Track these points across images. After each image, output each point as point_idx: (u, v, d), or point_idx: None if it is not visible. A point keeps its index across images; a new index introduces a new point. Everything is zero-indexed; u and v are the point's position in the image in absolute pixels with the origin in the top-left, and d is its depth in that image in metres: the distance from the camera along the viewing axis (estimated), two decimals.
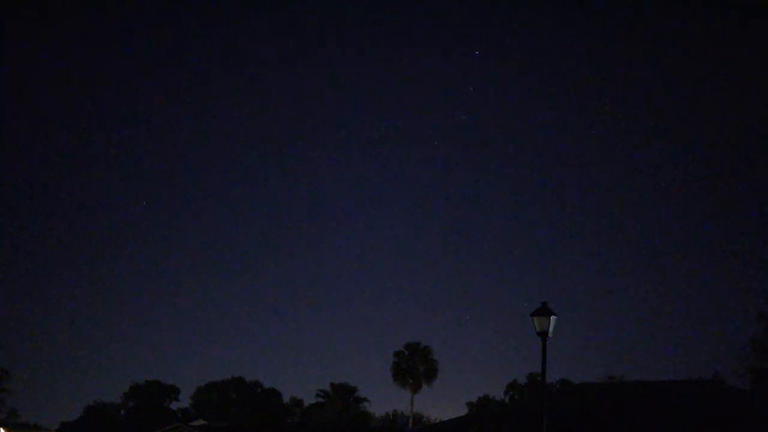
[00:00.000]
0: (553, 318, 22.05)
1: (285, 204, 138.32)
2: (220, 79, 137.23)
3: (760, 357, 58.82)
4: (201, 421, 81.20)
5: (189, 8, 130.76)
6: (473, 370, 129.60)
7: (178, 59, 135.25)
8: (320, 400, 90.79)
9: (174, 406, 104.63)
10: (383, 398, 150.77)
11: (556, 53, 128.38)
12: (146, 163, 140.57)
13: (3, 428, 75.85)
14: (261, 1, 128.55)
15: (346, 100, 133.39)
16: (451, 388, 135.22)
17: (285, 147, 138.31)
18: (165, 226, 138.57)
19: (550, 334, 22.08)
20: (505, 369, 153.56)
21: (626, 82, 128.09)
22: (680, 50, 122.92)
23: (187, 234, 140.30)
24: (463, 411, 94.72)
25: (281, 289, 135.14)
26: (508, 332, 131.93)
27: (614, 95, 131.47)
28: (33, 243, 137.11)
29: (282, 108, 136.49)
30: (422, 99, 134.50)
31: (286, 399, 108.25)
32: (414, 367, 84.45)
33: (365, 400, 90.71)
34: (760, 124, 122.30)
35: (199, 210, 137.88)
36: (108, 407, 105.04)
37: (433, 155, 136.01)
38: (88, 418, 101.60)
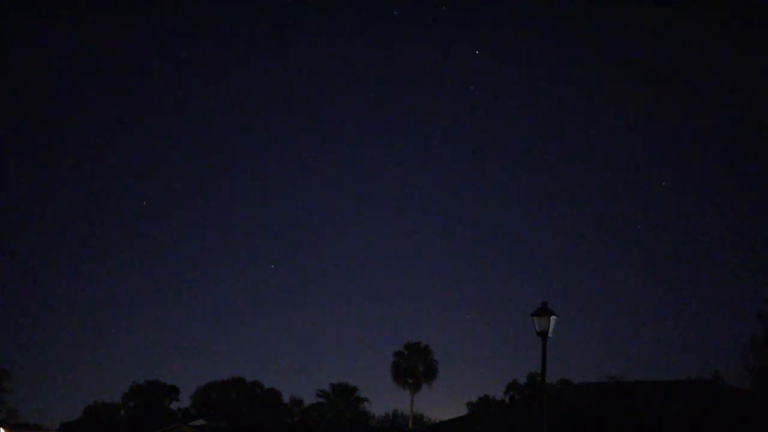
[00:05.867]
0: (553, 318, 22.04)
1: (285, 204, 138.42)
2: (220, 79, 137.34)
3: (760, 357, 58.86)
4: (201, 421, 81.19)
5: (189, 7, 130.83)
6: (473, 370, 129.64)
7: (178, 59, 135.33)
8: (320, 400, 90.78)
9: (174, 406, 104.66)
10: (383, 398, 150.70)
11: (556, 53, 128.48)
12: (146, 163, 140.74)
13: (3, 428, 75.86)
14: (262, 1, 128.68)
15: (346, 100, 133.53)
16: (451, 388, 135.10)
17: (285, 147, 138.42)
18: (165, 226, 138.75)
19: (550, 334, 22.08)
20: (505, 369, 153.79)
21: (627, 82, 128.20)
22: (681, 50, 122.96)
23: (187, 234, 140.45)
24: (463, 411, 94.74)
25: (281, 289, 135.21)
26: (508, 332, 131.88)
27: (614, 95, 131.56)
28: (33, 243, 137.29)
29: (282, 108, 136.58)
30: (422, 99, 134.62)
31: (286, 399, 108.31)
32: (414, 367, 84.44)
33: (365, 400, 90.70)
34: (760, 124, 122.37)
35: (199, 210, 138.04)
36: (108, 407, 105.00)
37: (433, 155, 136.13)
38: (88, 418, 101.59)
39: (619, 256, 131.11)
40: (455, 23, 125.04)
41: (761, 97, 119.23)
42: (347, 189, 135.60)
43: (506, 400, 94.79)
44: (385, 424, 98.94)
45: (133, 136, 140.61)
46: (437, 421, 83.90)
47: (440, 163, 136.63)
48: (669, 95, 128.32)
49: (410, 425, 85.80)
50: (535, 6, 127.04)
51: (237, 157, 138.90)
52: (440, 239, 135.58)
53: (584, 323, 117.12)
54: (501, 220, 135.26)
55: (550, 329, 22.01)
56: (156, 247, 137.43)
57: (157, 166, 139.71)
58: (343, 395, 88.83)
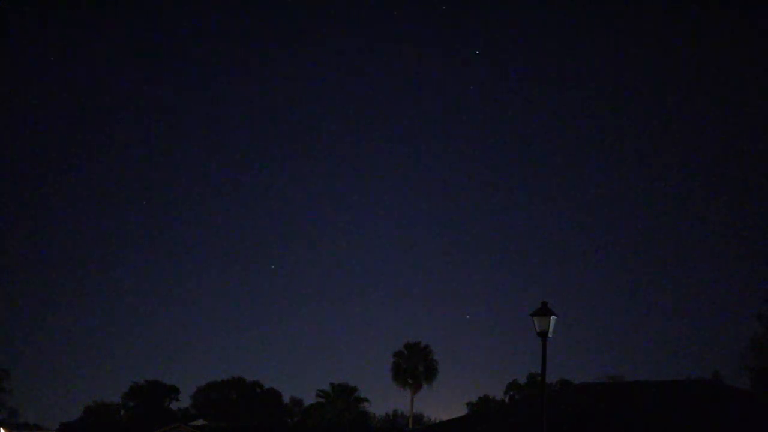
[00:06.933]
0: (553, 318, 22.04)
1: (285, 204, 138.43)
2: (220, 79, 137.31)
3: (760, 357, 58.87)
4: (201, 421, 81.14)
5: (189, 8, 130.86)
6: (473, 370, 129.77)
7: (178, 58, 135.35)
8: (320, 400, 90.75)
9: (174, 406, 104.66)
10: (383, 398, 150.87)
11: (556, 53, 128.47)
12: (146, 163, 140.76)
13: (3, 428, 75.84)
14: (262, 1, 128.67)
15: (347, 100, 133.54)
16: (451, 388, 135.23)
17: (285, 147, 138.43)
18: (165, 226, 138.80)
19: (550, 334, 22.07)
20: (505, 369, 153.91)
21: (626, 82, 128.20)
22: (680, 50, 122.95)
23: (187, 234, 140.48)
24: (463, 411, 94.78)
25: (281, 290, 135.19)
26: (508, 332, 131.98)
27: (614, 95, 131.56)
28: (33, 243, 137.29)
29: (283, 108, 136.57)
30: (422, 99, 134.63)
31: (286, 399, 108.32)
32: (414, 367, 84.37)
33: (365, 400, 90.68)
34: (760, 124, 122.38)
35: (199, 210, 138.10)
36: (108, 407, 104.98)
37: (433, 155, 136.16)
38: (88, 418, 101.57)
39: (620, 257, 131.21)
40: (455, 23, 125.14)
41: (761, 97, 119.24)
42: (347, 189, 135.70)
43: (506, 400, 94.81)
44: (385, 424, 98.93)
45: (133, 137, 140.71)
46: (437, 421, 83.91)
47: (440, 163, 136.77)
48: (669, 95, 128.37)
49: (410, 425, 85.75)
50: (535, 6, 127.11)
51: (237, 157, 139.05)
52: (440, 239, 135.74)
53: (584, 323, 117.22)
54: (501, 220, 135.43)
55: (550, 329, 22.00)
56: (156, 247, 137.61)
57: (158, 167, 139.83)
58: (343, 395, 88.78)
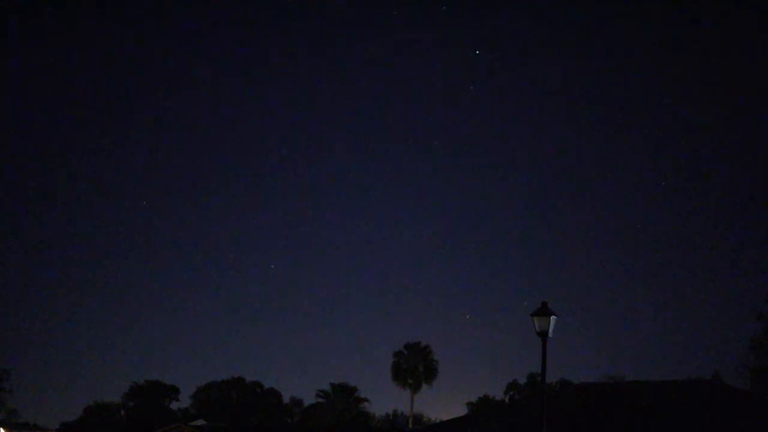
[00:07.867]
0: (553, 318, 22.03)
1: (285, 204, 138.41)
2: (220, 79, 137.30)
3: (760, 357, 58.81)
4: (201, 421, 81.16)
5: (188, 8, 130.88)
6: (473, 370, 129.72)
7: (178, 58, 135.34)
8: (320, 400, 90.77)
9: (174, 406, 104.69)
10: (383, 398, 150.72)
11: (556, 53, 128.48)
12: (146, 162, 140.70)
13: (3, 428, 75.86)
14: (262, 1, 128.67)
15: (347, 100, 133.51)
16: (451, 388, 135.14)
17: (285, 147, 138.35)
18: (165, 226, 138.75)
19: (550, 334, 22.07)
20: (505, 369, 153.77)
21: (626, 82, 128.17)
22: (681, 50, 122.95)
23: (187, 234, 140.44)
24: (463, 411, 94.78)
25: (281, 290, 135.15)
26: (508, 332, 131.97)
27: (615, 95, 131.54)
28: (33, 243, 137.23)
29: (282, 108, 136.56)
30: (422, 99, 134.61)
31: (286, 399, 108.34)
32: (414, 367, 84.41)
33: (365, 400, 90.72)
34: (760, 124, 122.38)
35: (199, 210, 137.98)
36: (108, 407, 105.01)
37: (433, 155, 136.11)
38: (88, 418, 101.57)
39: (619, 256, 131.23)
40: (455, 23, 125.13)
41: (761, 97, 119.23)
42: (347, 189, 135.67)
43: (506, 400, 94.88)
44: (385, 424, 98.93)
45: (133, 137, 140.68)
46: (437, 421, 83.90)
47: (440, 163, 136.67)
48: (669, 95, 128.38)
49: (410, 425, 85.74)
50: (535, 6, 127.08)
51: (237, 157, 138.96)
52: (440, 239, 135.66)
53: (584, 323, 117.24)
54: (501, 220, 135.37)
55: (550, 329, 22.00)
56: (156, 248, 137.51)
57: (158, 167, 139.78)
58: (343, 395, 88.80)
